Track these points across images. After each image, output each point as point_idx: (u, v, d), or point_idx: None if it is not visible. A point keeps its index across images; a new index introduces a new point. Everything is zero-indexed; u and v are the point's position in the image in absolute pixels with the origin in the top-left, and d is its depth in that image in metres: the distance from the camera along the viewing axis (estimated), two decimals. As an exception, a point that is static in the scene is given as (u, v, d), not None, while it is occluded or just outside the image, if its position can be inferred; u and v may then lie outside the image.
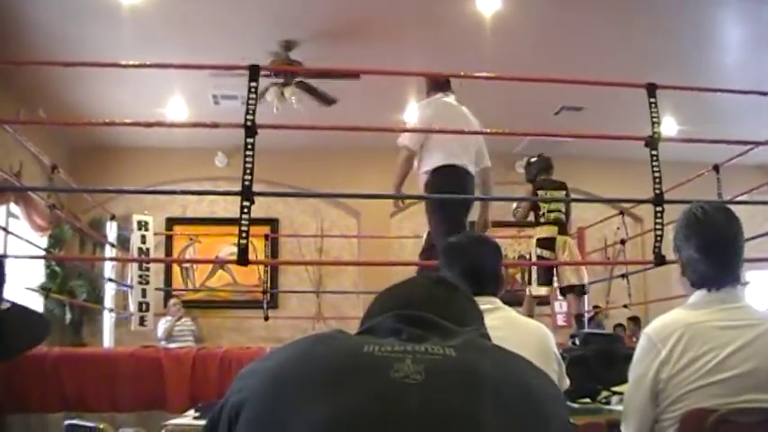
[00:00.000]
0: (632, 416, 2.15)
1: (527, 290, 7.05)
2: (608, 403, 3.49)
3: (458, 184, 5.28)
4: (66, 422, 2.00)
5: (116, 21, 6.92)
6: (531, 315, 6.91)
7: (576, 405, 3.37)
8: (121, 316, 8.46)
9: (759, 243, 5.16)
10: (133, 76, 7.73)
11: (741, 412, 1.96)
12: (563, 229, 6.91)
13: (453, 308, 1.27)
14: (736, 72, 8.01)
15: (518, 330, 2.43)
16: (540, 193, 6.99)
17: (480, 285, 2.38)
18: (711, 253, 2.17)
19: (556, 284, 7.00)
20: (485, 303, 1.86)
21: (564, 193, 7.05)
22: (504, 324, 2.36)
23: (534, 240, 6.88)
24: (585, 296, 7.18)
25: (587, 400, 3.59)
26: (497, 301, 2.51)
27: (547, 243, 6.80)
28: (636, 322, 9.83)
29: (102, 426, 1.95)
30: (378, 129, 7.55)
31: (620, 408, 2.52)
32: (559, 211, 6.92)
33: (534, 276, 6.86)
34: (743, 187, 6.99)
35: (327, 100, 8.32)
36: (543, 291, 6.89)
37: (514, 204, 7.41)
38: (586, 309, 7.11)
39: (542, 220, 6.89)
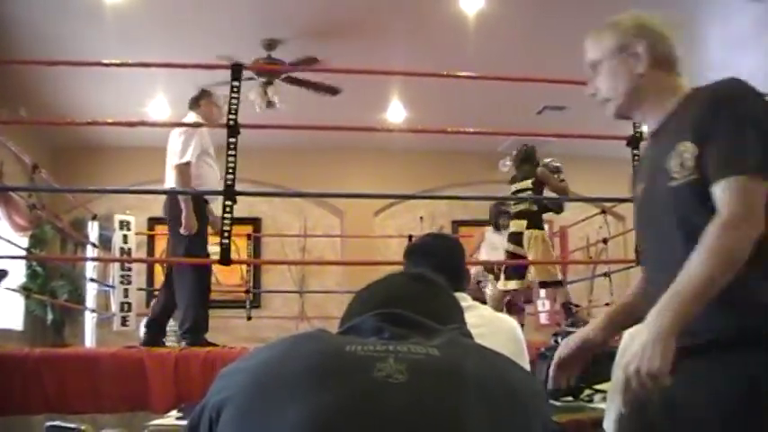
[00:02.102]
0: (615, 414, 2.16)
1: (497, 285, 7.08)
2: (591, 401, 3.50)
3: None
4: (48, 424, 1.97)
5: (98, 19, 6.89)
6: (499, 310, 6.90)
7: (558, 403, 3.38)
8: (103, 316, 8.41)
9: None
10: (116, 75, 7.69)
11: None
12: (532, 223, 6.85)
13: (434, 304, 1.27)
14: (718, 71, 8.01)
15: (494, 327, 2.44)
16: (511, 187, 7.05)
17: (451, 282, 2.37)
18: None
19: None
20: (460, 301, 1.86)
21: (530, 181, 6.95)
22: (481, 321, 2.36)
23: (506, 235, 6.97)
24: (564, 287, 7.13)
25: (570, 398, 3.60)
26: (469, 299, 2.53)
27: (514, 237, 6.84)
28: None
29: (84, 427, 1.94)
30: (361, 128, 7.55)
31: (603, 406, 2.53)
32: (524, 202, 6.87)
33: (503, 270, 6.94)
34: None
35: (330, 89, 8.20)
36: (512, 284, 6.86)
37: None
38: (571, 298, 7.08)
39: (511, 212, 7.00)
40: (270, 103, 8.11)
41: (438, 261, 2.51)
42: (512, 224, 6.96)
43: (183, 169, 5.48)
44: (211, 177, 5.62)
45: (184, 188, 5.46)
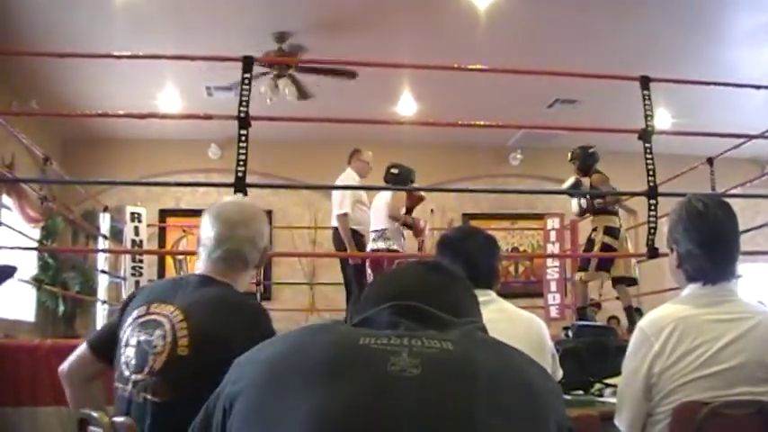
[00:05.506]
0: (626, 409, 2.15)
1: (578, 276, 7.07)
2: (601, 396, 3.49)
3: None
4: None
5: (110, 12, 6.90)
6: (585, 301, 7.01)
7: (568, 397, 3.38)
8: (114, 308, 8.43)
9: (751, 236, 5.18)
10: (126, 67, 7.69)
11: (733, 405, 1.96)
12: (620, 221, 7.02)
13: (449, 296, 1.26)
14: (731, 65, 8.01)
15: (512, 322, 2.43)
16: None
17: (474, 280, 2.34)
18: (712, 248, 2.15)
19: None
20: (479, 296, 1.87)
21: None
22: (500, 316, 2.35)
23: (602, 227, 6.87)
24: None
25: (580, 392, 3.60)
26: (492, 294, 2.51)
27: (614, 232, 6.84)
28: (640, 313, 9.82)
29: (96, 414, 1.97)
30: (371, 121, 7.52)
31: (613, 400, 2.52)
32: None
33: (593, 263, 6.84)
34: (736, 180, 7.00)
35: (306, 94, 8.32)
36: (605, 276, 6.95)
37: (584, 204, 7.15)
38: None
39: (610, 208, 6.93)
40: (307, 96, 8.26)
41: (464, 256, 2.50)
42: (610, 218, 6.92)
43: (342, 219, 6.76)
44: (365, 220, 6.88)
45: (345, 235, 6.69)
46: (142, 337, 2.04)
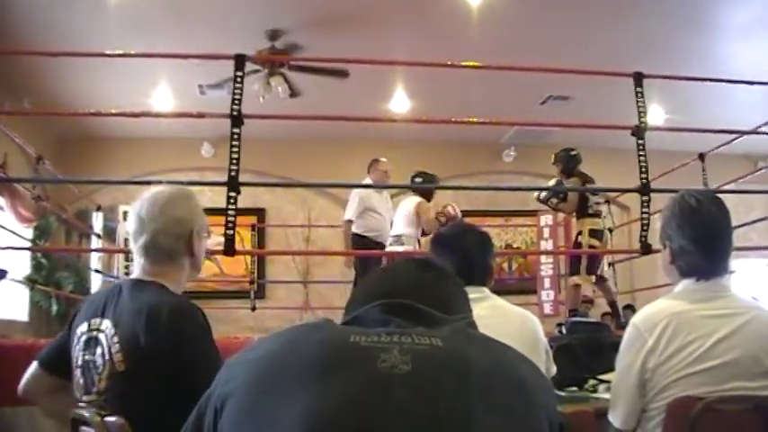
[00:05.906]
0: (620, 404, 2.16)
1: (570, 280, 7.13)
2: (595, 392, 3.50)
3: None
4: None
5: (102, 10, 6.87)
6: (576, 305, 7.04)
7: (562, 393, 3.39)
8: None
9: (743, 232, 5.20)
10: (119, 65, 7.68)
11: (727, 400, 1.97)
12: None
13: (440, 293, 1.26)
14: (724, 60, 8.02)
15: (506, 319, 2.44)
16: (589, 185, 7.14)
17: (468, 277, 2.34)
18: (706, 243, 2.16)
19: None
20: (472, 293, 1.88)
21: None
22: (492, 313, 2.36)
23: (587, 230, 6.96)
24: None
25: (574, 388, 3.60)
26: (485, 290, 2.51)
27: (598, 234, 6.99)
28: (632, 310, 9.86)
29: (88, 413, 1.97)
30: (365, 119, 7.53)
31: (607, 396, 2.53)
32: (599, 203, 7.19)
33: (584, 266, 6.87)
34: (729, 176, 7.02)
35: (298, 92, 8.33)
36: (592, 279, 7.03)
37: (544, 194, 7.25)
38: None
39: (590, 211, 7.02)
40: (293, 93, 8.24)
41: (457, 253, 2.50)
42: (594, 221, 7.03)
43: (345, 224, 7.23)
44: (377, 226, 7.18)
45: (345, 239, 7.18)
46: (87, 357, 2.05)
